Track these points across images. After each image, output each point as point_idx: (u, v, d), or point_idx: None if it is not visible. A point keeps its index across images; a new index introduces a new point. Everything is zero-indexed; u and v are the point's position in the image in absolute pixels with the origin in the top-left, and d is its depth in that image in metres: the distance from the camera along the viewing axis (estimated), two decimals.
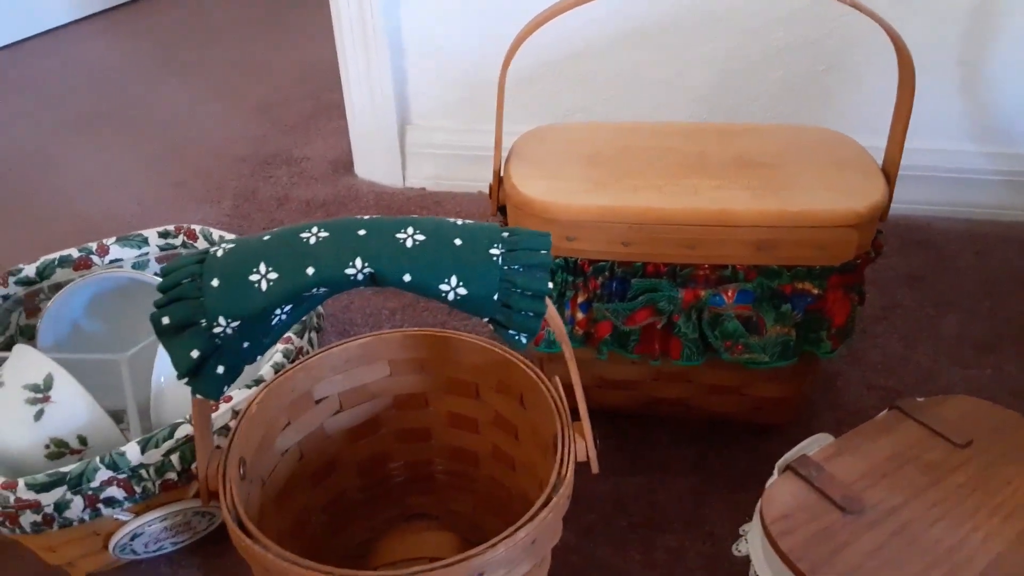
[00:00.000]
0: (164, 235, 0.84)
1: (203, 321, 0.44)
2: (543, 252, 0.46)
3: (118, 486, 0.58)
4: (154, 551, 0.65)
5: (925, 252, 1.03)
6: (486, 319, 0.47)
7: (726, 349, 0.67)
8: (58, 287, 0.81)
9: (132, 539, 0.62)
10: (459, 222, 0.47)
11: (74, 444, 0.63)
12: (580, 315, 0.69)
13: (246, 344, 0.46)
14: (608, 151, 0.71)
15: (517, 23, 1.08)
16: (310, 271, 0.44)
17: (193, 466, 0.60)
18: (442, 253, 0.44)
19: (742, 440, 0.77)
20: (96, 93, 1.57)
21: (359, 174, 1.28)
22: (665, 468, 0.74)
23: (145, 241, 0.83)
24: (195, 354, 0.44)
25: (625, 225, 0.64)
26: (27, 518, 0.57)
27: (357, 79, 1.16)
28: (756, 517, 0.56)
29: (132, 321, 0.82)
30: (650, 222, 0.64)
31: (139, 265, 0.83)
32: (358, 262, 0.44)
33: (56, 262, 0.80)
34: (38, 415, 0.62)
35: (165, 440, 0.59)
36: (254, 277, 0.44)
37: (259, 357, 0.48)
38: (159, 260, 0.84)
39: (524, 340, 0.47)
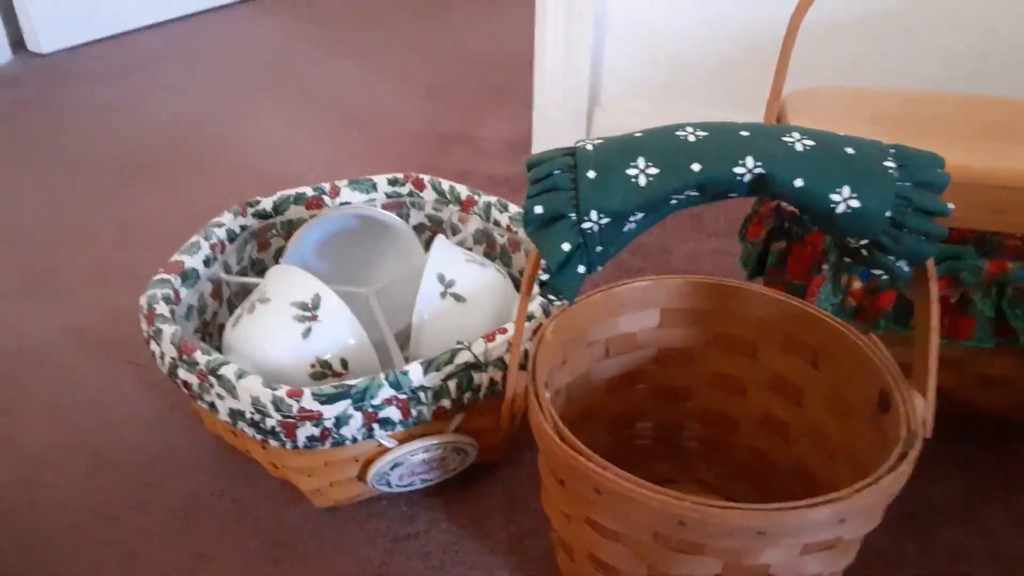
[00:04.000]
0: (393, 182, 0.83)
1: (574, 215, 0.41)
2: (939, 171, 0.42)
3: (397, 406, 0.56)
4: (405, 486, 0.62)
5: None
6: (861, 243, 0.43)
7: None
8: (290, 224, 0.81)
9: (392, 468, 0.60)
10: (841, 133, 0.43)
11: (336, 367, 0.62)
12: (858, 284, 0.64)
13: (599, 248, 0.43)
14: (890, 113, 0.67)
15: (735, 2, 1.05)
16: (695, 167, 0.41)
17: (466, 396, 0.58)
18: (834, 160, 0.41)
19: (1005, 440, 0.70)
20: (271, 67, 1.60)
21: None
22: (928, 462, 0.68)
23: (374, 186, 0.82)
24: (566, 247, 0.41)
25: None
26: (305, 431, 0.55)
27: (553, 54, 1.15)
28: None
29: (357, 260, 0.81)
30: (960, 182, 0.59)
31: None
32: (748, 161, 0.41)
33: (292, 198, 0.80)
34: (306, 333, 0.61)
35: (445, 365, 0.57)
36: (632, 171, 0.41)
37: (598, 268, 0.45)
38: (385, 207, 0.83)
39: (907, 269, 0.43)
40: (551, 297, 0.43)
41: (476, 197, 0.80)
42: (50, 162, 1.22)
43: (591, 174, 0.41)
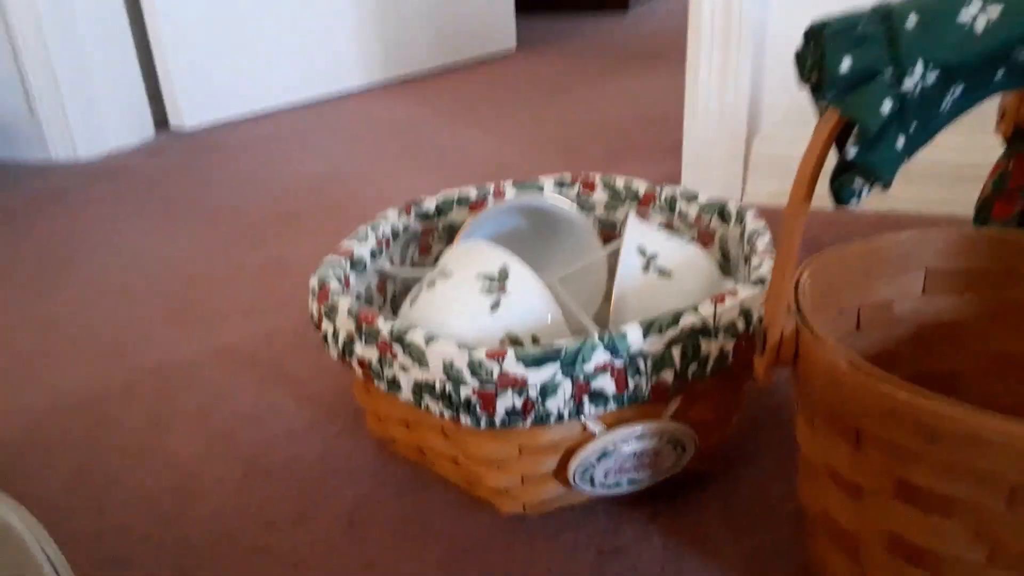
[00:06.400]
0: (560, 183, 0.76)
1: (891, 70, 0.33)
2: None
3: (611, 376, 0.47)
4: (610, 486, 0.52)
5: None
6: None
7: None
8: (451, 227, 0.75)
9: (598, 459, 0.50)
10: None
11: (528, 345, 0.54)
12: None
13: (914, 125, 0.34)
14: None
15: None
16: None
17: (691, 369, 0.48)
18: None
19: None
20: (406, 138, 1.61)
21: None
22: None
23: (540, 188, 0.76)
24: (886, 107, 0.33)
25: None
26: (505, 401, 0.46)
27: (707, 79, 1.09)
28: None
29: (527, 260, 0.74)
30: None
31: None
32: None
33: (455, 200, 0.75)
34: (494, 305, 0.54)
35: (669, 327, 0.47)
36: (965, 16, 0.33)
37: (906, 159, 0.35)
38: None
39: None
40: (857, 183, 0.34)
41: (656, 190, 0.72)
42: (197, 216, 1.23)
43: (912, 19, 0.33)
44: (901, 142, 0.34)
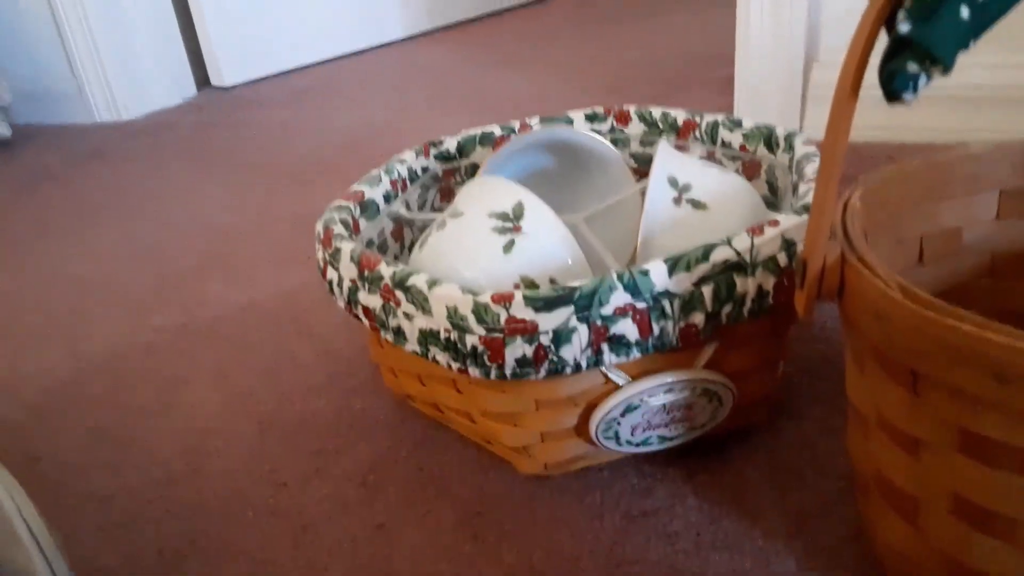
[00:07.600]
0: (591, 117, 0.70)
1: None
2: None
3: (633, 319, 0.42)
4: (637, 443, 0.47)
5: None
6: None
7: None
8: (474, 168, 0.70)
9: (623, 414, 0.45)
10: None
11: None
12: None
13: None
14: None
15: None
16: None
17: (725, 310, 0.43)
18: None
19: None
20: (448, 84, 1.56)
21: None
22: None
23: (570, 123, 0.70)
24: None
25: None
26: (514, 350, 0.42)
27: (760, 7, 1.00)
28: None
29: (554, 202, 0.69)
30: None
31: None
32: None
33: (477, 138, 0.70)
34: (508, 246, 0.49)
35: (698, 263, 0.42)
36: None
37: (972, 39, 0.29)
38: None
39: None
40: (912, 68, 0.27)
41: (696, 119, 0.66)
42: (233, 169, 1.21)
43: None
44: (966, 12, 0.27)
